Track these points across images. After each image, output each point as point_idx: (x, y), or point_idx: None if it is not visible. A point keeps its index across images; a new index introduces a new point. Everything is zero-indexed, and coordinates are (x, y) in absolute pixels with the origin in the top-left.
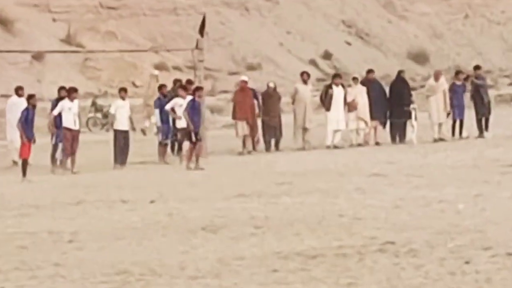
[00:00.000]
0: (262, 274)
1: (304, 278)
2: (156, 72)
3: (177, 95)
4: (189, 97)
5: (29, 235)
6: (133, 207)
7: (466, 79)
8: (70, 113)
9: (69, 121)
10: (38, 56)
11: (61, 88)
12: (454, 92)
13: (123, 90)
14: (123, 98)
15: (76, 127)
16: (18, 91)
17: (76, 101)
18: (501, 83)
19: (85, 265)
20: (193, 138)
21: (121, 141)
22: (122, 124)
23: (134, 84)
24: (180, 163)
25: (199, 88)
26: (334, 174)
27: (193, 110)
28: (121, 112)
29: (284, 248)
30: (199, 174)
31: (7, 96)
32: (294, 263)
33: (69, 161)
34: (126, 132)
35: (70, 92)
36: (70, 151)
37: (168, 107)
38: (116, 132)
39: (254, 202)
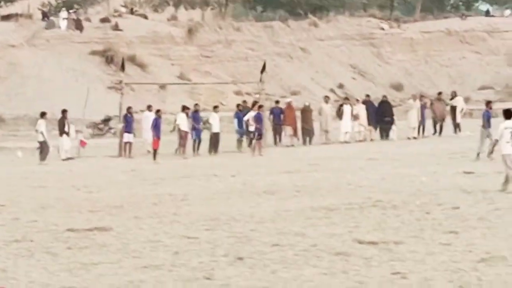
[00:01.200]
0: (301, 220)
1: (327, 222)
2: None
3: (249, 111)
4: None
5: (157, 196)
6: (221, 179)
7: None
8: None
9: (184, 126)
10: (162, 87)
11: (183, 107)
12: (421, 108)
13: (216, 107)
14: (216, 112)
15: (187, 130)
16: (149, 108)
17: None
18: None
19: (192, 214)
20: (257, 137)
21: (214, 139)
22: (215, 128)
23: (221, 104)
24: (250, 152)
25: (261, 106)
26: (345, 159)
27: (258, 119)
28: (215, 121)
29: (314, 204)
30: (261, 159)
31: (143, 111)
32: (320, 213)
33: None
34: (217, 133)
35: (184, 108)
36: (183, 144)
37: (245, 118)
38: (212, 133)
39: (296, 176)
